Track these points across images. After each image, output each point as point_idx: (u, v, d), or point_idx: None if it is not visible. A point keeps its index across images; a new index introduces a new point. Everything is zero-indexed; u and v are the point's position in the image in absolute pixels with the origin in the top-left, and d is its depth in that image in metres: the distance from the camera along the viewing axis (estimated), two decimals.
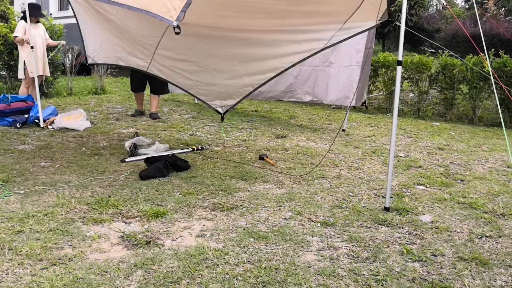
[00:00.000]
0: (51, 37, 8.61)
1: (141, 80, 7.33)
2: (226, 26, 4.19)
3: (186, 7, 2.74)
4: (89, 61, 5.65)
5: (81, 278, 2.35)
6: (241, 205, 3.47)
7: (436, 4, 21.27)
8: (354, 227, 3.15)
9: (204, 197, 3.63)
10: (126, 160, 4.60)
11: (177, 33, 2.71)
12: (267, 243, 2.84)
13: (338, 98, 6.79)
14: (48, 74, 7.53)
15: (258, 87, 4.97)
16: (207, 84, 5.07)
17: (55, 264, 2.49)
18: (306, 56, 4.58)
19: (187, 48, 4.63)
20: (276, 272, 2.48)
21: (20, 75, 7.02)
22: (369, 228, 3.15)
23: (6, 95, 6.59)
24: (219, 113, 5.31)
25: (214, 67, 4.86)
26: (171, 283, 2.34)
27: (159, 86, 7.38)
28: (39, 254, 2.58)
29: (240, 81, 4.89)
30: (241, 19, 4.08)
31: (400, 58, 3.40)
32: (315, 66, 7.00)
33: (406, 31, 3.40)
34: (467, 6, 19.62)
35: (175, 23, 2.67)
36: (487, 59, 4.13)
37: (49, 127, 6.03)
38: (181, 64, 4.99)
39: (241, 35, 4.38)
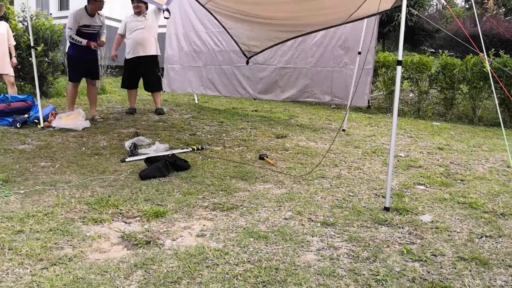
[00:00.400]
0: (50, 37, 8.64)
1: (133, 78, 7.38)
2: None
3: None
4: None
5: (81, 278, 2.35)
6: (241, 205, 3.47)
7: (436, 4, 21.27)
8: (354, 227, 3.15)
9: (204, 197, 3.63)
10: (126, 160, 4.60)
11: (166, 18, 2.83)
12: (267, 243, 2.84)
13: (355, 100, 6.84)
14: (8, 72, 7.20)
15: (280, 42, 6.16)
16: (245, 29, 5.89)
17: (55, 264, 2.49)
18: (326, 27, 5.60)
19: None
20: (276, 272, 2.48)
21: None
22: (369, 228, 3.15)
23: (6, 95, 6.60)
24: (245, 56, 6.38)
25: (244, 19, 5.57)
26: (171, 283, 2.34)
27: (154, 83, 7.43)
28: (39, 254, 2.58)
29: (270, 33, 5.81)
30: None
31: (400, 58, 3.40)
32: (330, 68, 7.11)
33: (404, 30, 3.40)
34: (467, 6, 19.62)
35: (164, 7, 2.77)
36: (486, 59, 4.13)
37: (51, 124, 6.04)
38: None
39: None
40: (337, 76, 7.05)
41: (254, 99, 8.39)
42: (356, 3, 4.57)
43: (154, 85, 7.49)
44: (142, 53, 7.13)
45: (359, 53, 6.69)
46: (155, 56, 7.32)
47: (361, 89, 6.65)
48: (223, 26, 6.06)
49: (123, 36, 7.33)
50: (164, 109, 7.71)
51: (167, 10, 2.78)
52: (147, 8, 7.12)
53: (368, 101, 6.94)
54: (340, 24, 5.43)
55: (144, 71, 7.30)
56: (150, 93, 7.86)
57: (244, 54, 6.42)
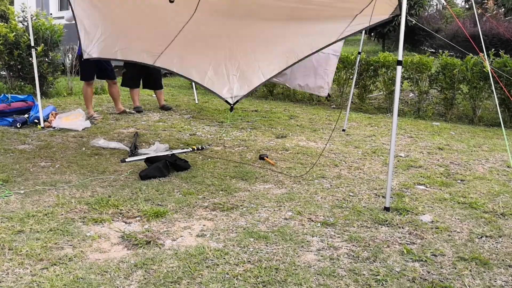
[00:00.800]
0: (50, 37, 8.63)
1: (136, 76, 7.41)
2: (238, 14, 4.16)
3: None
4: (85, 56, 5.33)
5: (81, 278, 2.35)
6: (241, 205, 3.47)
7: (436, 4, 21.26)
8: (354, 227, 3.15)
9: (204, 197, 3.63)
10: (126, 160, 4.60)
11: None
12: (267, 243, 2.84)
13: (311, 87, 6.50)
14: None
15: (270, 78, 5.07)
16: (220, 75, 5.08)
17: (55, 264, 2.49)
18: (318, 49, 4.65)
19: (207, 36, 4.57)
20: (276, 272, 2.48)
21: None
22: (369, 228, 3.15)
23: (6, 95, 6.60)
24: (229, 103, 5.29)
25: (229, 56, 4.88)
26: (171, 283, 2.34)
27: (152, 81, 7.42)
28: (39, 254, 2.58)
29: (253, 71, 4.98)
30: (251, 15, 4.07)
31: (400, 58, 3.41)
32: None
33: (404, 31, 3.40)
34: (467, 6, 19.62)
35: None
36: (486, 59, 4.13)
37: (51, 124, 6.04)
38: (198, 51, 4.82)
39: (254, 25, 4.37)
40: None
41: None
42: (347, 20, 4.20)
43: (153, 83, 7.49)
44: None
45: (359, 53, 6.67)
46: None
47: (321, 77, 6.33)
48: (198, 83, 5.31)
49: None
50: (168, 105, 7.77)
51: None
52: None
53: (328, 91, 6.48)
54: (336, 41, 4.62)
55: (145, 69, 7.30)
56: (149, 93, 7.89)
57: (228, 102, 5.31)
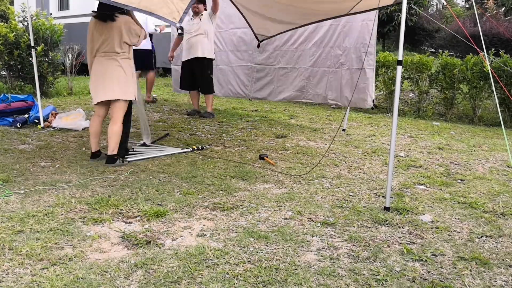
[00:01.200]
0: (50, 37, 8.64)
1: (189, 80, 7.33)
2: None
3: (187, 9, 2.84)
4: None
5: (81, 278, 2.35)
6: (241, 205, 3.47)
7: (436, 4, 21.25)
8: (354, 226, 3.15)
9: (204, 197, 3.63)
10: (127, 160, 4.60)
11: (180, 34, 2.83)
12: (267, 242, 2.84)
13: (356, 101, 6.76)
14: None
15: (288, 30, 6.72)
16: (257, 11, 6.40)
17: (55, 264, 2.49)
18: (328, 17, 6.16)
19: None
20: (276, 272, 2.48)
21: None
22: (369, 227, 3.15)
23: (6, 95, 6.60)
24: (258, 39, 6.98)
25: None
26: (171, 283, 2.34)
27: (204, 85, 7.30)
28: (39, 254, 2.58)
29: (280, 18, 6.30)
30: None
31: (400, 58, 3.41)
32: (327, 68, 7.04)
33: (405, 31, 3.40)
34: (467, 6, 19.61)
35: (178, 25, 2.78)
36: (487, 59, 4.13)
37: (51, 124, 6.04)
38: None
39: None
40: (332, 77, 6.99)
41: (250, 99, 8.34)
42: None
43: (204, 88, 7.36)
44: (194, 55, 7.06)
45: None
46: (207, 59, 7.12)
47: (363, 90, 6.56)
48: (238, 9, 6.55)
49: (181, 38, 7.30)
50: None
51: (181, 27, 2.83)
52: (205, 8, 7.06)
53: (373, 101, 6.78)
54: (342, 16, 6.01)
55: (196, 73, 7.19)
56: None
57: (257, 38, 6.97)
